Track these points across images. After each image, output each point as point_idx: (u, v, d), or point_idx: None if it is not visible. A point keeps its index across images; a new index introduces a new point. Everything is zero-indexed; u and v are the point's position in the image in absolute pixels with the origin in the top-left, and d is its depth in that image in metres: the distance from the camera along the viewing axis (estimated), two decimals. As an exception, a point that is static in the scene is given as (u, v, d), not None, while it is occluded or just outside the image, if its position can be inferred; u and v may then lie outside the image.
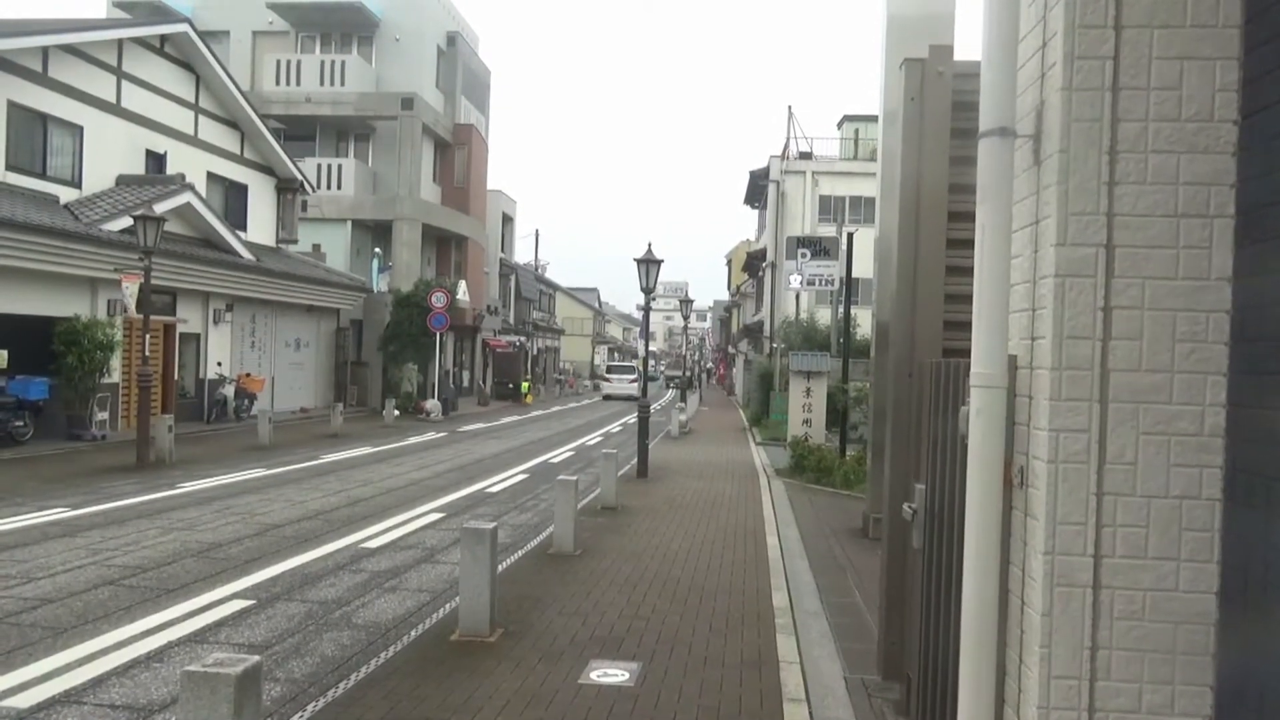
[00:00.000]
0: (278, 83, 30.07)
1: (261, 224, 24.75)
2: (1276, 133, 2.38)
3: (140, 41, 19.90)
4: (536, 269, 55.97)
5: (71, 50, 17.66)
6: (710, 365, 79.42)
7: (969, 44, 3.00)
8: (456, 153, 34.53)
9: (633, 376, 43.74)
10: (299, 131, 29.98)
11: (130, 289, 15.72)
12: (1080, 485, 2.57)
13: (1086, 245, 2.59)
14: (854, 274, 17.44)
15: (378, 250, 30.12)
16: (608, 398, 45.86)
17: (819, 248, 23.14)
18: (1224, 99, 2.56)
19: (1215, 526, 2.54)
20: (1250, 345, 2.46)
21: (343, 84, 29.97)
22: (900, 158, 4.84)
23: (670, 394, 51.50)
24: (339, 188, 29.96)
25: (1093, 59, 2.58)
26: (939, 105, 4.68)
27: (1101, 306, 2.58)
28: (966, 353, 2.88)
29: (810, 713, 4.95)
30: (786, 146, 36.78)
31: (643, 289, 15.19)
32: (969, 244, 2.87)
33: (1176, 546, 2.55)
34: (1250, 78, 2.51)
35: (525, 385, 41.31)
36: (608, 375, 51.37)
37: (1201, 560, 2.54)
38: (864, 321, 24.02)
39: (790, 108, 64.83)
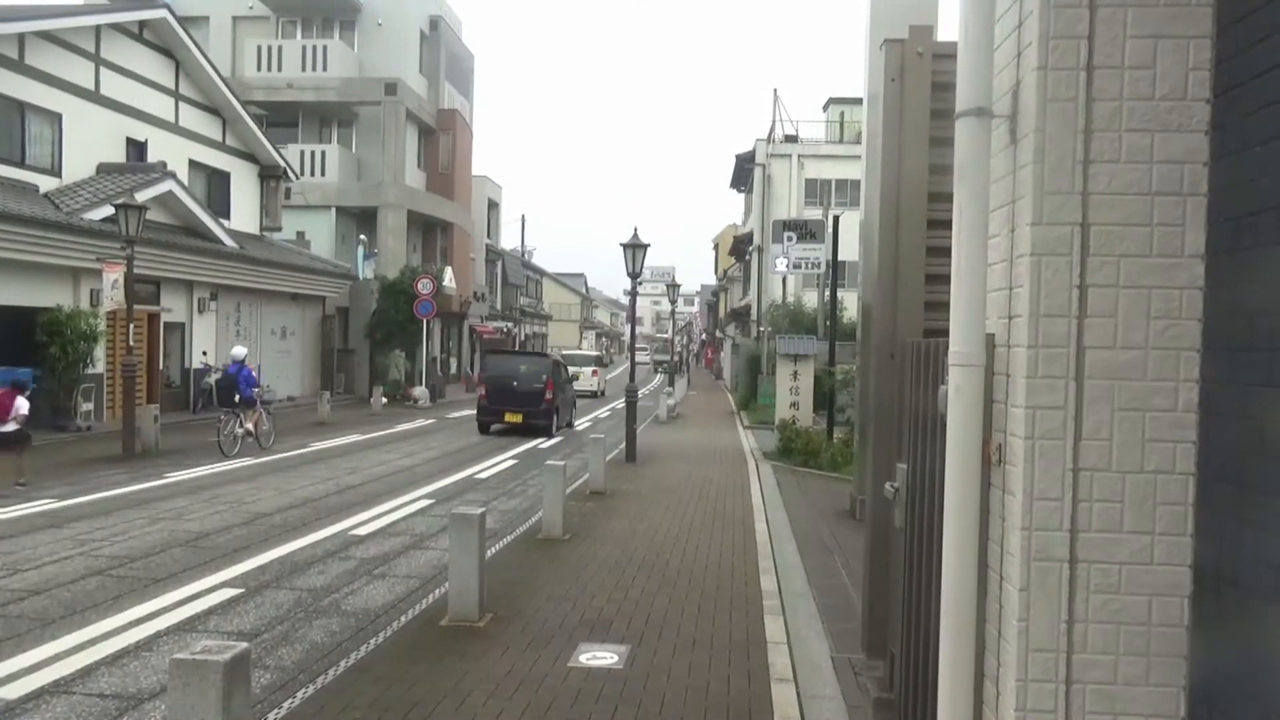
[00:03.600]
0: (259, 69, 29.77)
1: (245, 212, 24.57)
2: (1249, 111, 2.40)
3: (119, 28, 19.65)
4: (523, 255, 55.79)
5: (48, 37, 17.43)
6: (697, 349, 79.50)
7: (951, 24, 3.01)
8: (441, 138, 34.33)
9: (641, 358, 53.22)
10: (281, 118, 29.70)
11: (120, 279, 15.58)
12: (1057, 461, 2.60)
13: (1062, 224, 2.61)
14: (840, 257, 17.47)
15: (363, 237, 29.95)
16: None
17: (805, 231, 23.17)
18: (1197, 78, 2.57)
19: (1189, 500, 2.58)
20: (1222, 321, 2.49)
21: (325, 69, 29.70)
22: (881, 139, 4.85)
23: (659, 378, 51.95)
24: (323, 174, 29.75)
25: (1068, 38, 2.59)
26: (919, 86, 4.69)
27: (1077, 284, 2.60)
28: (947, 332, 2.90)
29: (798, 692, 5.01)
30: (772, 129, 36.74)
31: (629, 274, 15.18)
32: (950, 224, 2.88)
33: (1151, 520, 2.59)
34: (1223, 56, 2.53)
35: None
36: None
37: (1175, 534, 2.58)
38: (851, 304, 24.07)
39: (776, 91, 64.66)
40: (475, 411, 20.28)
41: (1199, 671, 2.53)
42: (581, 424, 22.98)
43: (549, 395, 18.66)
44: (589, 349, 62.83)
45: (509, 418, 18.96)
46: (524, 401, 18.94)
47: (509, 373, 19.52)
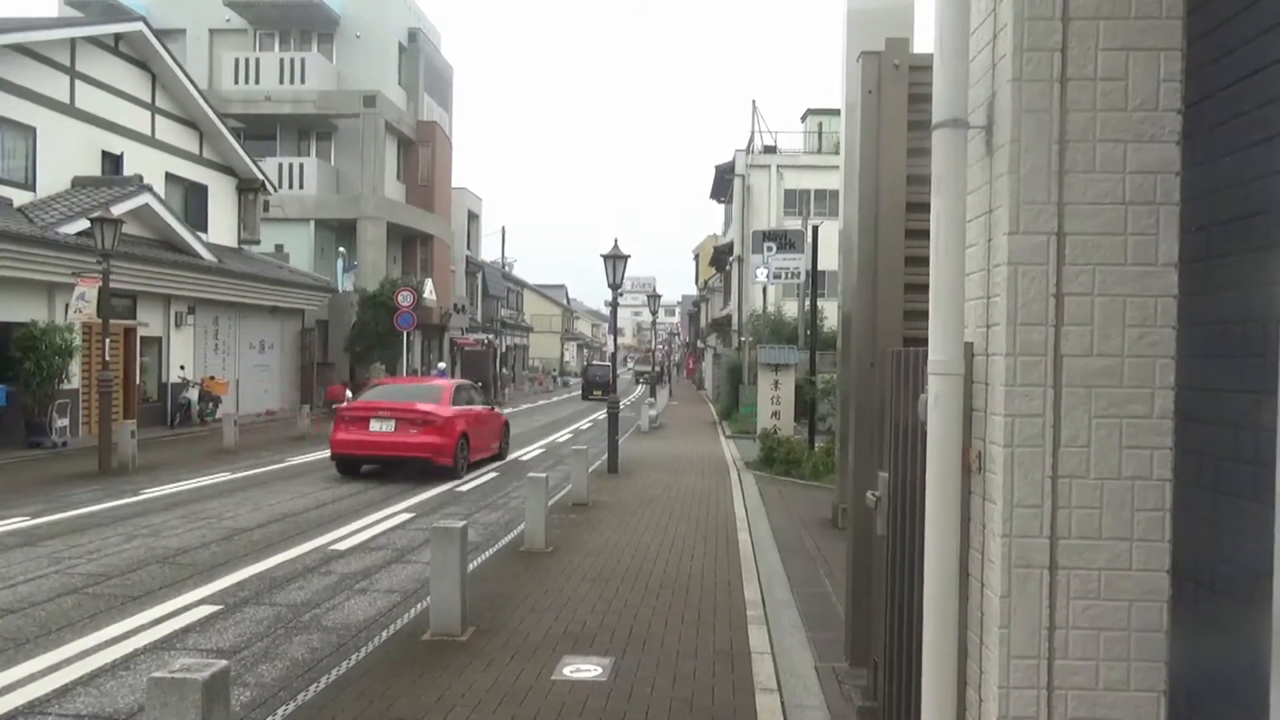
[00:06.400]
0: (236, 81, 29.66)
1: (223, 225, 24.41)
2: (1219, 121, 2.44)
3: (94, 40, 19.53)
4: (503, 266, 55.67)
5: (22, 50, 17.29)
6: (678, 360, 79.65)
7: (928, 36, 3.03)
8: (420, 150, 34.28)
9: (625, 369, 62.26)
10: (259, 131, 29.56)
11: (88, 293, 15.43)
12: (1036, 469, 2.62)
13: (1038, 233, 2.64)
14: (820, 266, 17.53)
15: (342, 250, 29.83)
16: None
17: (784, 241, 23.29)
18: (1168, 89, 2.62)
19: (1166, 506, 2.60)
20: (1197, 328, 2.52)
21: (303, 82, 29.62)
22: (859, 150, 4.89)
23: (640, 389, 52.08)
24: (301, 187, 29.62)
25: (1041, 50, 2.63)
26: (896, 98, 4.73)
27: (1053, 293, 2.63)
28: (927, 341, 2.92)
29: (781, 702, 5.00)
30: (751, 140, 36.90)
31: (610, 285, 15.19)
32: (928, 234, 2.91)
33: (1129, 526, 2.61)
34: (1193, 68, 2.58)
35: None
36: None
37: (1154, 539, 2.61)
38: (831, 314, 24.18)
39: (754, 102, 64.96)
40: (580, 391, 44.20)
41: (1179, 676, 2.55)
42: (564, 435, 22.95)
43: (612, 383, 29.63)
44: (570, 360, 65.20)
45: (594, 394, 40.06)
46: (602, 387, 37.95)
47: (595, 373, 43.25)
